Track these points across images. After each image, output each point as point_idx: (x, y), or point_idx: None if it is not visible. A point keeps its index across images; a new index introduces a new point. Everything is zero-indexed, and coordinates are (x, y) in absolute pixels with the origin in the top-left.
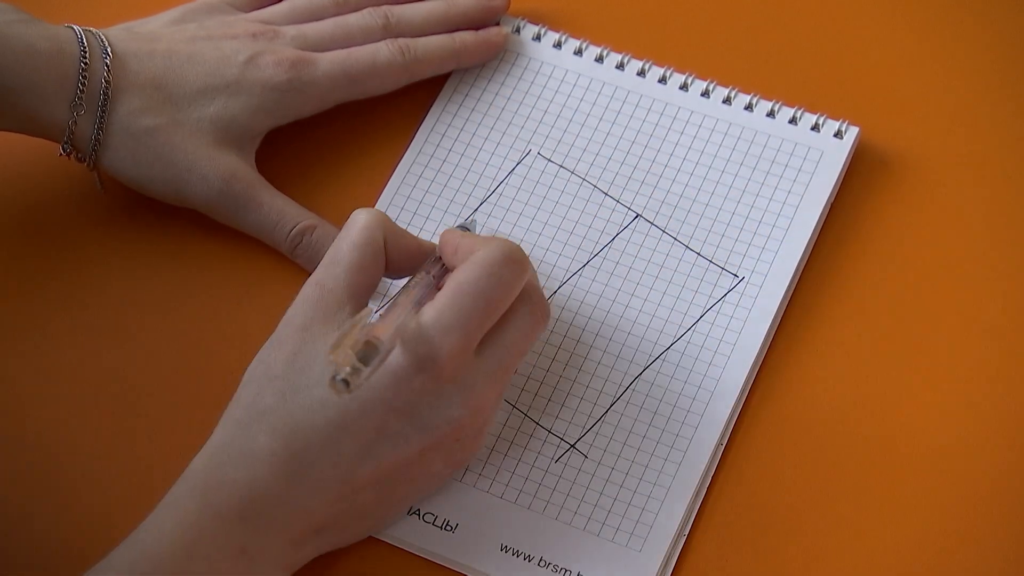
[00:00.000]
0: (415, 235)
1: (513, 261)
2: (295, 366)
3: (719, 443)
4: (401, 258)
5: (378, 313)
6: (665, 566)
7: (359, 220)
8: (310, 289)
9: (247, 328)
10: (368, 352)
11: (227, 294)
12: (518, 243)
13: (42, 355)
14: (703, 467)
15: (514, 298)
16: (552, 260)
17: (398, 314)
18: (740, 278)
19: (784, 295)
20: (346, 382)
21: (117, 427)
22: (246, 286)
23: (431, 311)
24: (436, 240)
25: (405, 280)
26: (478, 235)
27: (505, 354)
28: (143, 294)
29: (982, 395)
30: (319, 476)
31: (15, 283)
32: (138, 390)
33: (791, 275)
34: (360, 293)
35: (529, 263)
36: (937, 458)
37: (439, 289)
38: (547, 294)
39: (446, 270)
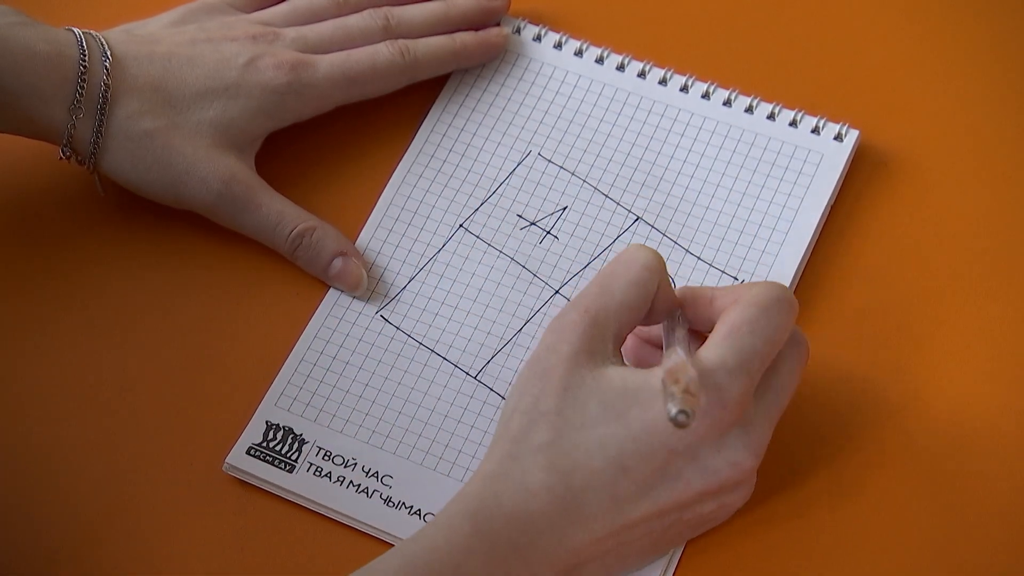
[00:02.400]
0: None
1: (786, 301)
2: (567, 401)
3: None
4: (660, 305)
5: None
6: (665, 569)
7: (641, 258)
8: (577, 316)
9: (247, 328)
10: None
11: (227, 295)
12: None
13: (42, 355)
14: None
15: (786, 339)
16: (553, 261)
17: (680, 357)
18: (740, 281)
19: None
20: (686, 414)
21: (117, 427)
22: (246, 287)
23: (711, 354)
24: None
25: None
26: (736, 284)
27: (780, 395)
28: (143, 295)
29: (982, 395)
30: (593, 514)
31: (15, 283)
32: (138, 390)
33: (791, 278)
34: (623, 333)
35: (797, 304)
36: (936, 459)
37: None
38: (547, 296)
39: (686, 324)
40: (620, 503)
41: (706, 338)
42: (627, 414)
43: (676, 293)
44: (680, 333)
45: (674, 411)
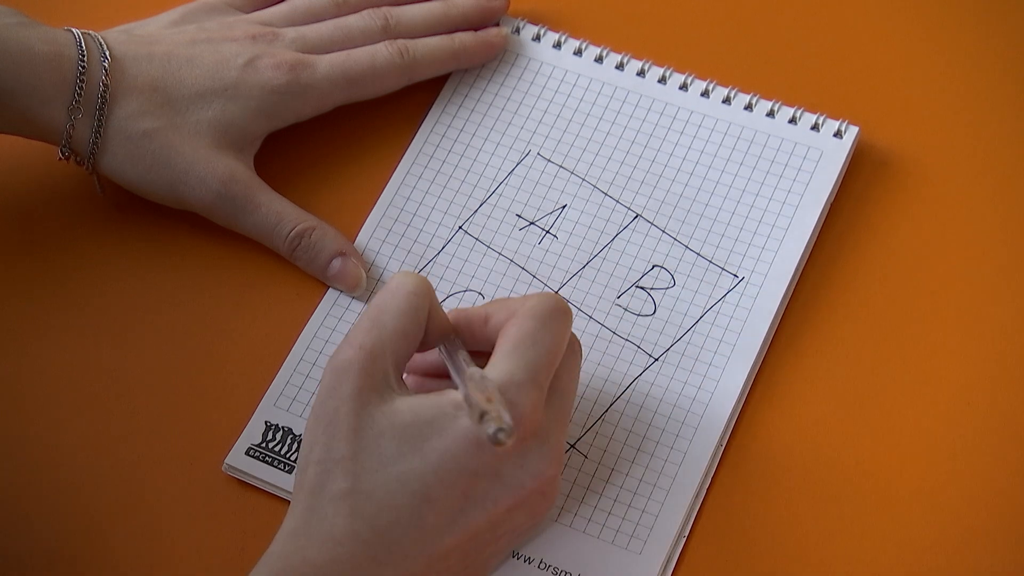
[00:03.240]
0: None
1: (561, 311)
2: (361, 443)
3: (719, 443)
4: (434, 330)
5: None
6: (665, 568)
7: (406, 285)
8: (353, 353)
9: (247, 328)
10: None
11: (226, 295)
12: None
13: (42, 355)
14: (703, 467)
15: (566, 345)
16: (552, 261)
17: (479, 374)
18: (740, 278)
19: (784, 295)
20: (504, 431)
21: (117, 427)
22: (245, 287)
23: (499, 371)
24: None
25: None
26: (508, 299)
27: (565, 400)
28: (142, 295)
29: (983, 395)
30: (404, 551)
31: (15, 283)
32: (138, 390)
33: (791, 275)
34: (402, 362)
35: (571, 311)
36: (937, 458)
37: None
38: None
39: (462, 346)
40: (430, 534)
41: (485, 358)
42: (424, 446)
43: (449, 317)
44: (463, 355)
45: (492, 430)
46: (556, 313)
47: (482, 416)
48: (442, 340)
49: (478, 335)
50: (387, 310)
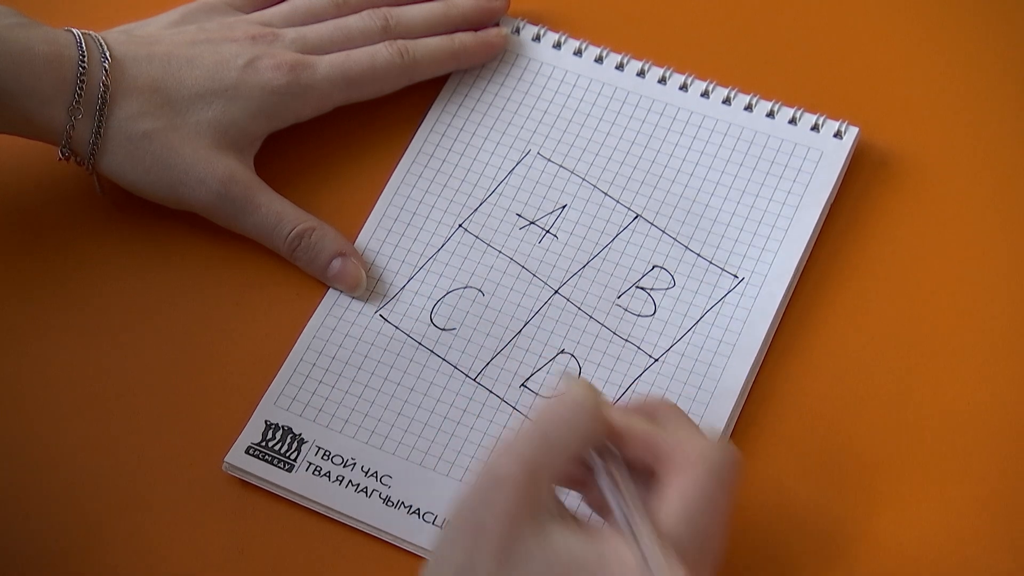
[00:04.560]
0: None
1: (738, 463)
2: (509, 569)
3: None
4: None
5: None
6: None
7: (580, 399)
8: (514, 467)
9: (246, 329)
10: None
11: (226, 295)
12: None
13: (41, 356)
14: None
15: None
16: (552, 260)
17: (644, 534)
18: (740, 279)
19: (784, 295)
20: None
21: (117, 427)
22: (245, 288)
23: (670, 538)
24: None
25: None
26: (678, 426)
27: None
28: (142, 295)
29: (982, 394)
30: None
31: (14, 283)
32: (138, 390)
33: (791, 275)
34: (561, 479)
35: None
36: (937, 458)
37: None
38: (547, 295)
39: (623, 466)
40: None
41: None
42: None
43: (607, 417)
44: (628, 490)
45: None
46: (734, 467)
47: None
48: (596, 449)
49: (638, 456)
50: (560, 427)
